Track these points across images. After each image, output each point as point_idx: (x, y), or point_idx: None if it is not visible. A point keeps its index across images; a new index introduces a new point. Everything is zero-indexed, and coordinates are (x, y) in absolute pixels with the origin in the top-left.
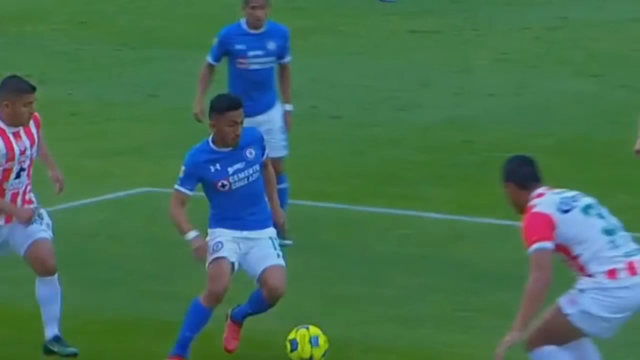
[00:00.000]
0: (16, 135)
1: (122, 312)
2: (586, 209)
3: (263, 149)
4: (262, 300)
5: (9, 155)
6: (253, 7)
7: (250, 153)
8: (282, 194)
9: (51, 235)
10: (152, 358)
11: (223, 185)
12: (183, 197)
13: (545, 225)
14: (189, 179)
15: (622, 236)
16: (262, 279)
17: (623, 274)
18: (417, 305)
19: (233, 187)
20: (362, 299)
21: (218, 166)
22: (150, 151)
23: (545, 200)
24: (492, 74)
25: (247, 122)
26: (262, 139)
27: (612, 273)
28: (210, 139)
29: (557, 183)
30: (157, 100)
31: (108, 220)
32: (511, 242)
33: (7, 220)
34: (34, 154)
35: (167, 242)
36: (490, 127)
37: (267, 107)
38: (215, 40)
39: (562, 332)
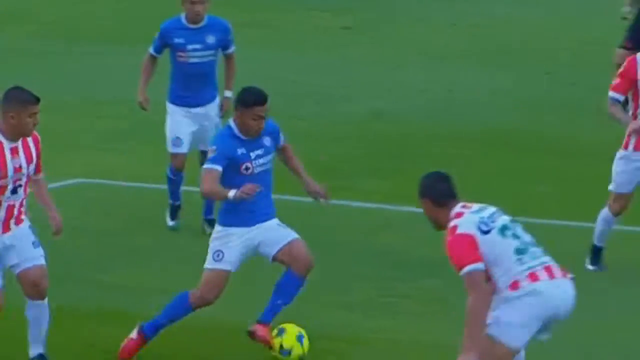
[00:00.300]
0: (14, 151)
1: (59, 301)
2: (503, 230)
3: (277, 139)
4: (295, 278)
5: (1, 174)
6: (192, 2)
7: (268, 141)
8: None
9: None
10: (91, 346)
11: (247, 169)
12: (215, 173)
13: (470, 246)
14: (221, 157)
15: (532, 253)
16: (288, 255)
17: (524, 283)
18: (344, 291)
19: (254, 171)
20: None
21: (244, 150)
22: (84, 143)
23: (466, 220)
24: (421, 70)
25: (185, 113)
26: (278, 130)
27: (514, 285)
28: (233, 124)
29: (484, 175)
30: (91, 94)
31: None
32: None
33: (5, 230)
34: (31, 172)
35: (101, 231)
36: (420, 121)
37: (205, 100)
38: (157, 33)
39: (488, 349)
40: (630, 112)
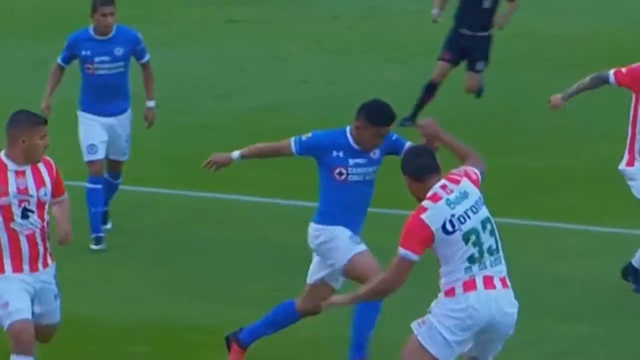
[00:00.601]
0: (19, 173)
1: None
2: (468, 234)
3: (394, 149)
4: (298, 316)
5: (2, 190)
6: (104, 15)
7: (375, 154)
8: (115, 188)
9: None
10: None
11: (340, 174)
12: (284, 148)
13: (422, 239)
14: (305, 146)
15: (483, 262)
16: (320, 295)
17: (458, 291)
18: (238, 286)
19: (349, 179)
20: (182, 281)
21: (341, 153)
22: None
23: (437, 209)
24: (305, 62)
25: (97, 121)
26: (393, 141)
27: (449, 292)
28: (348, 132)
29: None
30: None
31: None
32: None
33: (33, 269)
34: (44, 197)
35: None
36: (304, 114)
37: (117, 111)
38: (65, 43)
39: (414, 355)
40: (630, 119)
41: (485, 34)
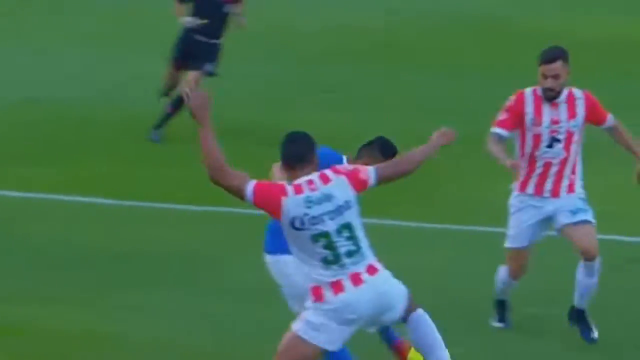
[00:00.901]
0: None
1: None
2: (316, 237)
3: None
4: None
5: None
6: None
7: None
8: None
9: None
10: None
11: None
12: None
13: (271, 208)
14: None
15: (342, 264)
16: None
17: (328, 294)
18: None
19: None
20: None
21: None
22: None
23: (294, 204)
24: (70, 55)
25: None
26: None
27: (318, 295)
28: (346, 160)
29: (122, 160)
30: None
31: None
32: (81, 219)
33: None
34: None
35: None
36: (68, 106)
37: None
38: None
39: (292, 346)
40: (516, 151)
41: (218, 41)
